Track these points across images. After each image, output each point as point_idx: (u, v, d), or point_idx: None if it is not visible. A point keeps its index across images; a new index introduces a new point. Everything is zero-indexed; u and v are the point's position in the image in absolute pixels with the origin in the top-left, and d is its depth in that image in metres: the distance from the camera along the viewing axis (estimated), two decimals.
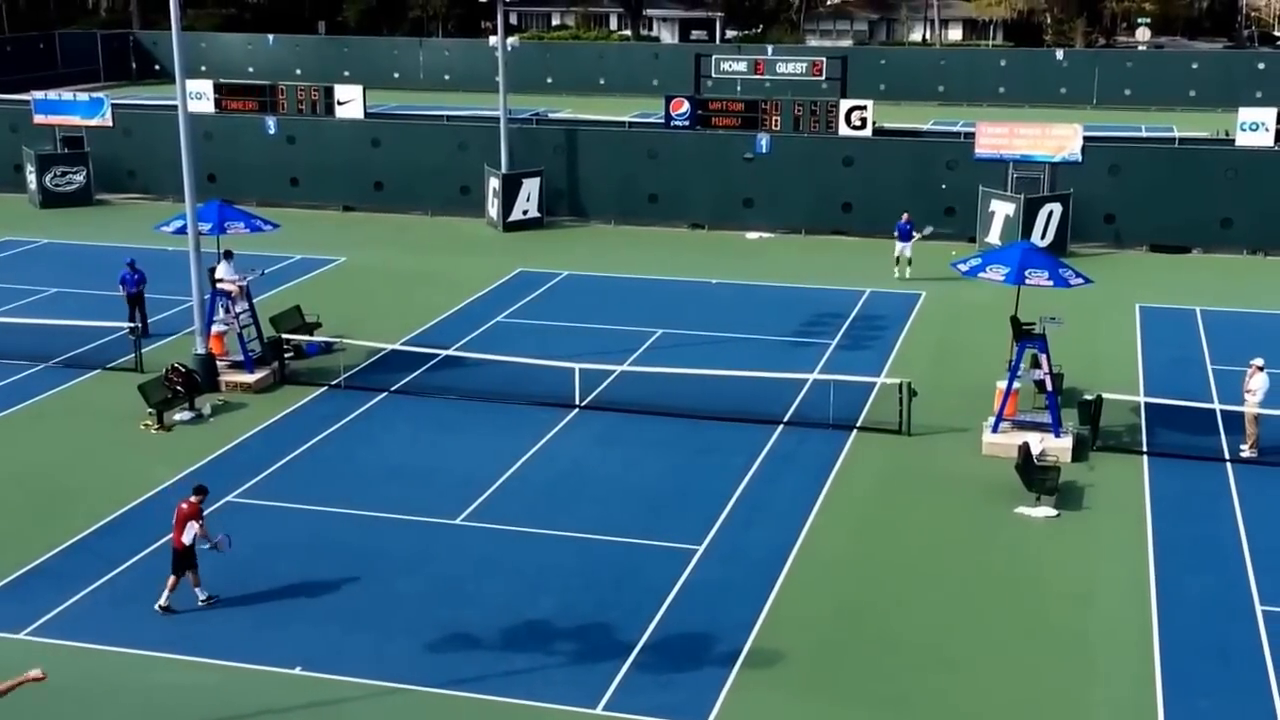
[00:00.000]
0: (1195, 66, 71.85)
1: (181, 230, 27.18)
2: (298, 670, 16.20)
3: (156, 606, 17.57)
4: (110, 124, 44.98)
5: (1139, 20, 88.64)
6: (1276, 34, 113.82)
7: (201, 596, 17.77)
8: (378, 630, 17.21)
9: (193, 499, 17.61)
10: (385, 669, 16.25)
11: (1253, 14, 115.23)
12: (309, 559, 19.19)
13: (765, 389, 25.59)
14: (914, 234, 34.71)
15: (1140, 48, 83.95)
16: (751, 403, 25.04)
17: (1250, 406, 22.96)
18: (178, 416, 24.71)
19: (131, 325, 28.29)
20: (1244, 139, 38.87)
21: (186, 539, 17.31)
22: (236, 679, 16.08)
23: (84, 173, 45.18)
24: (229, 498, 21.18)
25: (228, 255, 28.02)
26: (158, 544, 19.41)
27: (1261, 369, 23.05)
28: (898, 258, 34.85)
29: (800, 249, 39.35)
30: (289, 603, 17.93)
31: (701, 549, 19.51)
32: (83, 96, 46.98)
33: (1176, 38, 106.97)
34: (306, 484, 21.85)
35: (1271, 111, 39.29)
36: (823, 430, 24.07)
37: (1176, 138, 45.01)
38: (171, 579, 17.56)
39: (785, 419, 24.60)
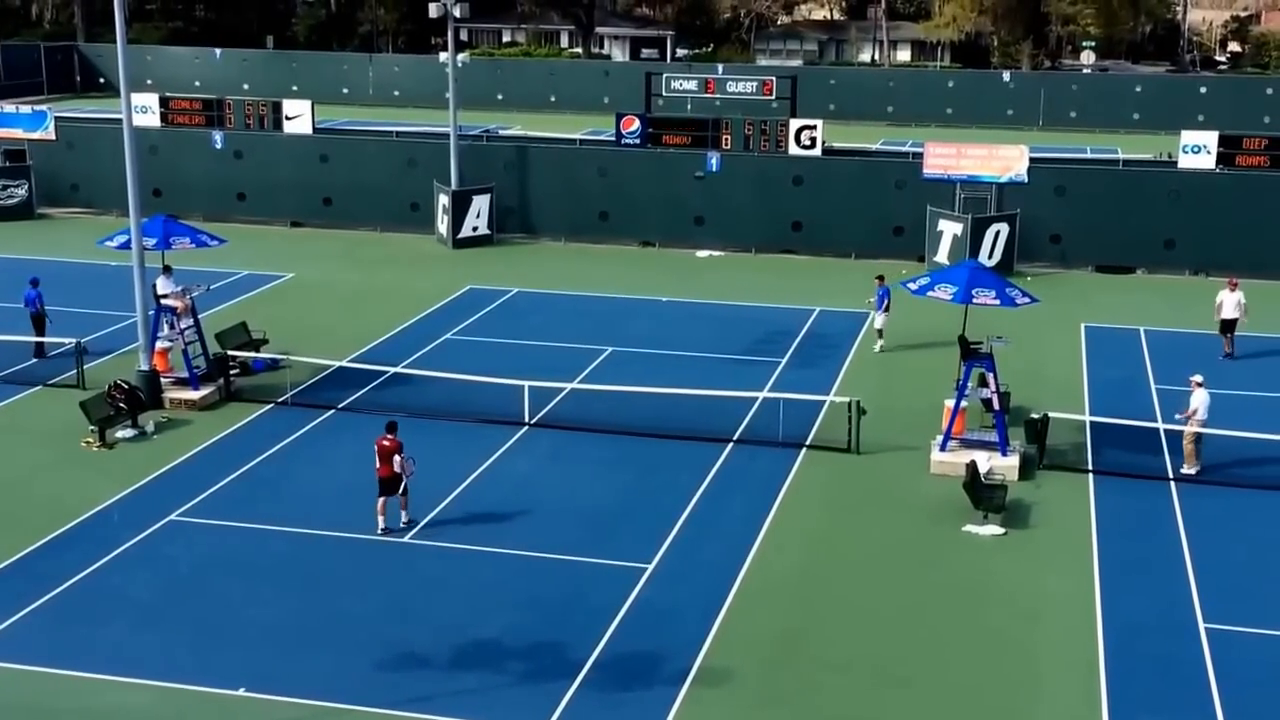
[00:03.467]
0: (1139, 90, 72.97)
1: (125, 245, 26.83)
2: (241, 691, 15.97)
3: (380, 530, 20.29)
4: (53, 137, 44.46)
5: (1084, 44, 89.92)
6: (1218, 58, 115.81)
7: (404, 519, 20.51)
8: (323, 650, 17.01)
9: (390, 436, 20.46)
10: (331, 689, 16.04)
11: (1195, 39, 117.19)
12: (253, 578, 18.95)
13: (715, 407, 25.59)
14: (888, 300, 30.13)
15: (1085, 71, 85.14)
16: (701, 421, 25.03)
17: (1193, 424, 23.17)
18: (120, 434, 24.34)
19: (75, 341, 27.74)
20: (1186, 161, 39.46)
21: (397, 469, 20.21)
22: (178, 701, 15.81)
23: (25, 186, 44.53)
24: (172, 516, 20.89)
25: (166, 270, 27.72)
26: (99, 564, 19.18)
27: (1201, 384, 23.29)
28: (879, 330, 30.61)
29: (750, 267, 39.46)
30: (232, 622, 17.68)
31: (651, 568, 19.45)
32: (25, 109, 46.33)
33: (1120, 61, 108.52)
34: (251, 502, 21.59)
35: (1213, 135, 39.93)
36: (772, 449, 24.10)
37: (1121, 160, 45.70)
38: (382, 501, 20.36)
39: (735, 437, 24.61)
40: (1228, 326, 30.17)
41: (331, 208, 43.88)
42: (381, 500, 20.41)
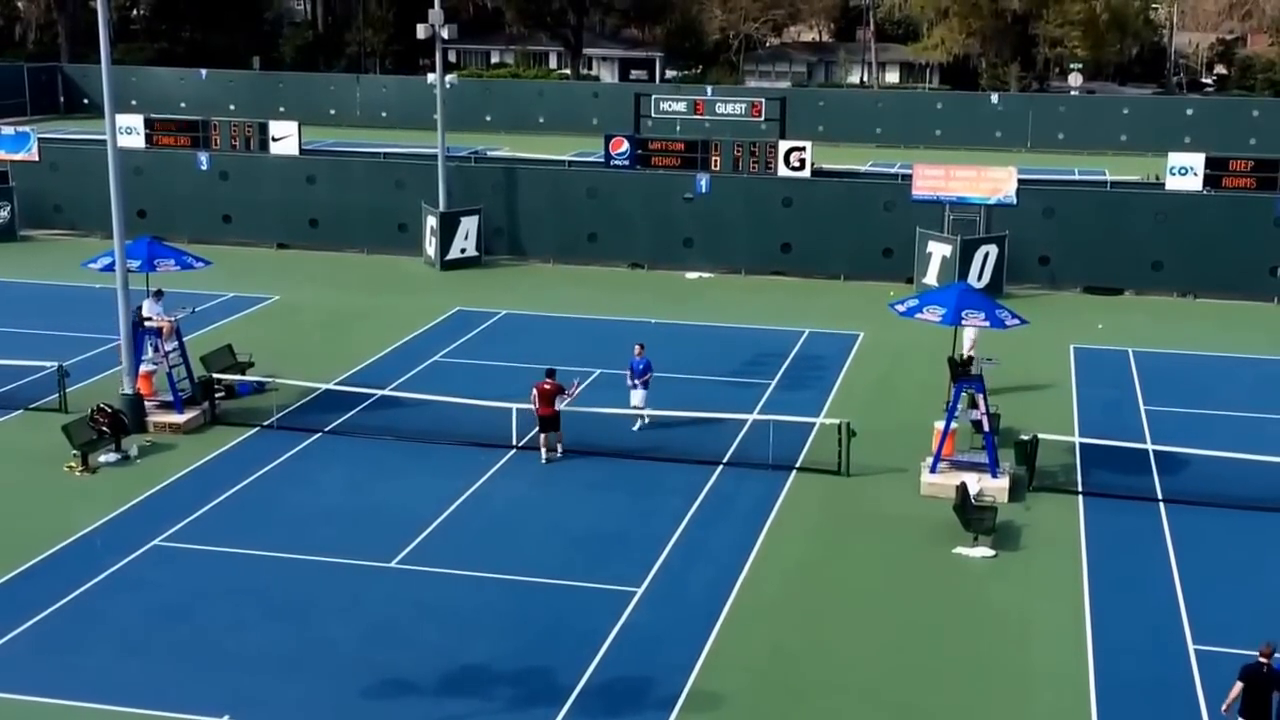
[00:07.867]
0: (1126, 112, 73.24)
1: (109, 267, 26.61)
2: (226, 719, 15.75)
3: (545, 459, 23.70)
4: (37, 158, 44.31)
5: (1071, 66, 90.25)
6: (1205, 80, 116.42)
7: (544, 455, 23.76)
8: (310, 677, 16.81)
9: (550, 380, 23.70)
10: (317, 716, 15.87)
11: (1182, 61, 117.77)
12: (239, 604, 18.75)
13: (704, 429, 25.50)
14: (648, 375, 26.19)
15: (1073, 92, 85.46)
16: (691, 443, 24.92)
17: None
18: (103, 458, 24.12)
19: (57, 364, 27.32)
20: (1173, 183, 39.49)
21: (559, 407, 23.51)
22: None
23: (8, 208, 44.30)
24: (156, 541, 20.69)
25: (158, 294, 27.49)
26: (81, 589, 18.98)
27: None
28: (638, 407, 26.11)
29: (740, 289, 39.41)
30: (217, 649, 17.46)
31: (640, 591, 19.29)
32: (8, 130, 46.14)
33: (1108, 83, 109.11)
34: (237, 527, 21.39)
35: (1200, 156, 39.99)
36: (762, 471, 23.99)
37: (1108, 181, 45.72)
38: (544, 436, 23.82)
39: (725, 459, 24.49)
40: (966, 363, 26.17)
41: (318, 229, 43.74)
42: (543, 436, 23.85)
